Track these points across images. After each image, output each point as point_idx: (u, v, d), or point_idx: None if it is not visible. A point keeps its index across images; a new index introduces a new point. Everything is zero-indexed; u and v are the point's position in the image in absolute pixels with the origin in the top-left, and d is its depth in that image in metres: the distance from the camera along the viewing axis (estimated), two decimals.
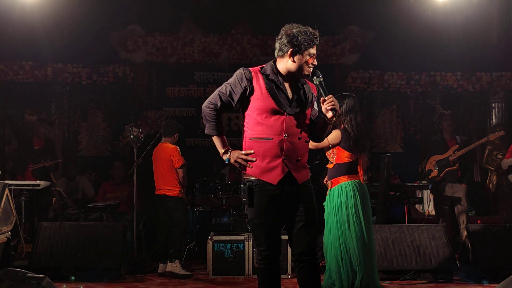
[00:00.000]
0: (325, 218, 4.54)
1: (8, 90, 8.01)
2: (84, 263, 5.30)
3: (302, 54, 2.97)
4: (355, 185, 4.43)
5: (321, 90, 2.94)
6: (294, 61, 2.97)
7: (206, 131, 3.08)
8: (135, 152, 6.26)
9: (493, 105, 8.57)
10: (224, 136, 3.08)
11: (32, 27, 7.50)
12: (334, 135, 4.39)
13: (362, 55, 8.31)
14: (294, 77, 3.03)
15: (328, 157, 4.54)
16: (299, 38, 2.95)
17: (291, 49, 2.96)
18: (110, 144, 8.25)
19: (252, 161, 2.96)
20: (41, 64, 7.96)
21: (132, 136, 6.30)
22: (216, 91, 3.04)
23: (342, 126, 4.50)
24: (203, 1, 7.99)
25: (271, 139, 2.94)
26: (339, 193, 4.41)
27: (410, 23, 7.83)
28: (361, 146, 4.51)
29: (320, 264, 5.50)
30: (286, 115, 2.94)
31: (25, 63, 7.93)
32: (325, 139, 4.32)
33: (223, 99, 3.00)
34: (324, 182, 4.73)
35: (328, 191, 4.50)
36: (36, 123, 7.38)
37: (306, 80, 3.12)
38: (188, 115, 8.29)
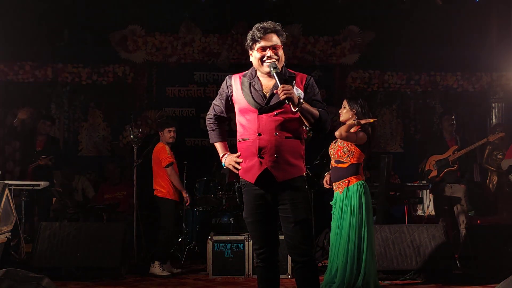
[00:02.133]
0: (334, 217, 4.51)
1: (8, 90, 8.00)
2: (84, 263, 5.30)
3: (253, 50, 3.02)
4: (367, 184, 4.52)
5: (276, 81, 2.90)
6: (252, 60, 3.06)
7: (210, 140, 3.27)
8: (135, 152, 6.27)
9: (493, 105, 8.57)
10: (225, 143, 3.22)
11: (32, 27, 7.50)
12: (362, 136, 4.44)
13: (362, 55, 8.30)
14: (267, 74, 3.02)
15: (340, 157, 4.49)
16: (248, 36, 3.03)
17: (248, 49, 3.08)
18: (110, 144, 8.24)
19: (240, 162, 3.05)
20: (41, 64, 7.96)
21: (132, 136, 6.30)
22: (213, 102, 3.25)
23: (358, 126, 4.51)
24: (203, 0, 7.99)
25: (247, 139, 3.01)
26: (359, 192, 4.41)
27: (410, 23, 7.83)
28: (372, 147, 4.62)
29: (320, 265, 5.50)
30: (259, 113, 2.97)
31: (25, 63, 7.93)
32: (353, 136, 4.35)
33: (215, 109, 3.22)
34: (326, 182, 4.69)
35: (345, 189, 4.45)
36: (38, 121, 7.34)
37: (300, 74, 3.11)
38: (188, 115, 8.29)
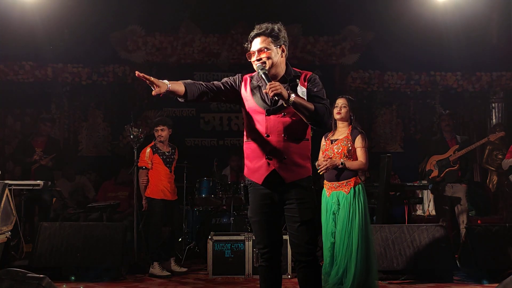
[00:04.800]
0: (340, 217, 4.44)
1: (8, 90, 8.01)
2: (84, 263, 5.30)
3: (249, 53, 3.05)
4: None
5: (264, 81, 2.90)
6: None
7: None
8: (135, 152, 6.26)
9: (493, 105, 8.58)
10: (180, 83, 2.94)
11: (32, 27, 7.51)
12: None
13: (362, 55, 8.31)
14: (273, 76, 3.02)
15: (344, 156, 4.49)
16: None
17: None
18: (110, 144, 8.25)
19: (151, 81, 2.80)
20: (41, 64, 7.97)
21: (132, 136, 6.30)
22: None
23: (350, 126, 4.59)
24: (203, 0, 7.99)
25: (255, 140, 3.01)
26: (364, 192, 4.45)
27: (410, 23, 7.83)
28: None
29: (321, 264, 5.50)
30: (266, 115, 2.97)
31: (25, 63, 7.94)
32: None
33: (215, 81, 3.09)
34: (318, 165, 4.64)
35: (352, 189, 4.42)
36: (38, 122, 7.34)
37: (304, 72, 3.12)
38: (188, 115, 8.30)
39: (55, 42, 7.96)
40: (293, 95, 2.84)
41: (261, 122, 2.99)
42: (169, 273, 5.59)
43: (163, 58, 8.21)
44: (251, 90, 3.05)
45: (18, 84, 8.01)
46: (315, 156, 6.00)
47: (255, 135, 3.01)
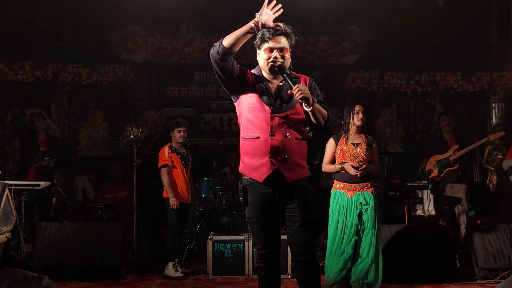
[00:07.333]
0: (371, 217, 4.64)
1: (8, 90, 8.01)
2: (84, 263, 5.30)
3: (261, 50, 3.03)
4: None
5: (289, 82, 2.90)
6: (258, 59, 3.08)
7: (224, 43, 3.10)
8: (135, 152, 6.27)
9: (493, 105, 8.57)
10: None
11: (32, 27, 7.50)
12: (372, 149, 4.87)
13: (362, 55, 8.31)
14: (272, 74, 3.03)
15: (366, 160, 4.72)
16: (257, 35, 3.02)
17: (256, 48, 3.08)
18: (110, 144, 8.24)
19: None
20: (41, 64, 7.96)
21: (132, 136, 6.30)
22: None
23: (362, 133, 4.85)
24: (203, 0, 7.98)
25: (258, 137, 2.98)
26: None
27: (410, 23, 7.83)
28: None
29: (320, 264, 5.50)
30: (271, 113, 2.96)
31: (25, 63, 7.93)
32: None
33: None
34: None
35: (375, 190, 4.76)
36: (34, 118, 7.31)
37: (302, 76, 3.11)
38: (188, 115, 8.29)
39: (55, 42, 7.96)
40: (315, 100, 2.89)
41: (264, 120, 2.96)
42: (182, 274, 5.54)
43: (163, 58, 8.21)
44: (255, 86, 3.02)
45: (18, 84, 8.00)
46: (313, 156, 6.03)
47: (258, 133, 2.97)
